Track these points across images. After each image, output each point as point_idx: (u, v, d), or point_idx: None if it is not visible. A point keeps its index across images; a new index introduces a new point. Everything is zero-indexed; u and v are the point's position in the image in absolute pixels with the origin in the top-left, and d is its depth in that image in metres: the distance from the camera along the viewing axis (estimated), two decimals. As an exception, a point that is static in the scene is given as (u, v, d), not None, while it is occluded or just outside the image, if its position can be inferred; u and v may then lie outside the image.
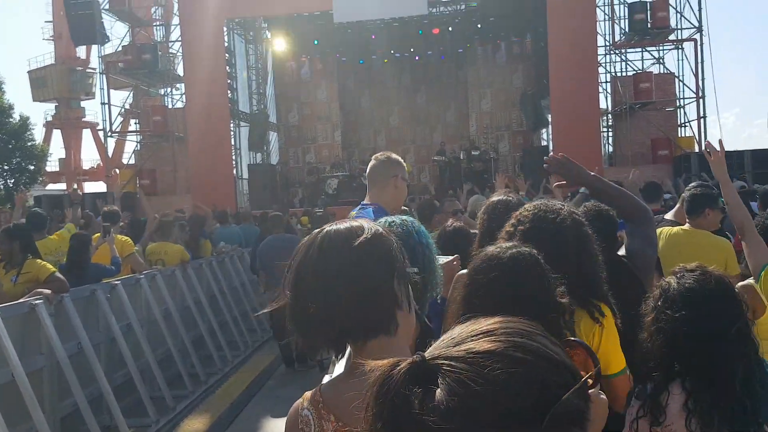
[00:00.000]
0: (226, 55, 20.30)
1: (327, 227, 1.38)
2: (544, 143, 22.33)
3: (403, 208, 3.94)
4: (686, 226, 4.10)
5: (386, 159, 3.64)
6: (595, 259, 2.10)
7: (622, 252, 2.73)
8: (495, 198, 2.97)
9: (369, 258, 1.30)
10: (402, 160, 3.72)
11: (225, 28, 20.18)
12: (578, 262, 2.03)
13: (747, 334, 1.82)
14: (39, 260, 5.35)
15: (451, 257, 3.07)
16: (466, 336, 0.76)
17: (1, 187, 28.00)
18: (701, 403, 1.75)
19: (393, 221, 2.50)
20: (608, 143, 21.21)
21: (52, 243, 6.19)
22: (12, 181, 28.17)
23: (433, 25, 21.87)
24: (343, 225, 1.37)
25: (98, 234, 6.61)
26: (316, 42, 22.13)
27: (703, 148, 3.30)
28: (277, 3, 18.93)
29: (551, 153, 2.76)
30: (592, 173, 2.83)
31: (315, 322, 1.31)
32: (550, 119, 20.12)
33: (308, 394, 1.41)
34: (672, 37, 20.59)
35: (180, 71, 21.91)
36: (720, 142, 3.35)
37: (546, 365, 0.73)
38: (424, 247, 2.40)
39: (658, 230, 3.85)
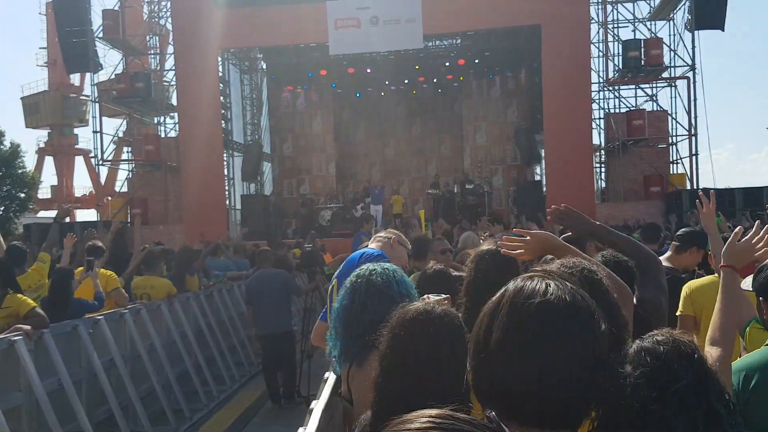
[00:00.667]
0: (221, 84, 20.36)
1: (558, 288, 1.13)
2: (537, 178, 22.40)
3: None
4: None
5: (389, 231, 3.99)
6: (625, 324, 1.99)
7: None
8: (484, 247, 2.87)
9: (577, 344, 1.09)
10: (407, 241, 4.00)
11: (220, 58, 20.27)
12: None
13: (692, 395, 1.72)
14: (19, 295, 5.19)
15: (442, 296, 2.99)
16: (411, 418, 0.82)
17: (-9, 213, 27.78)
18: None
19: (374, 269, 2.42)
20: (601, 179, 21.31)
21: (32, 277, 6.03)
22: (2, 208, 27.95)
23: (428, 59, 22.07)
24: (578, 296, 1.14)
25: (81, 268, 6.45)
26: (311, 74, 22.24)
27: (698, 199, 3.22)
28: (273, 34, 19.05)
29: (553, 206, 2.70)
30: (597, 222, 2.76)
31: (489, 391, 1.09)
32: (543, 154, 20.20)
33: None
34: (665, 74, 20.87)
35: (174, 100, 21.94)
36: (712, 194, 3.27)
37: None
38: (405, 297, 2.34)
39: (686, 285, 3.81)
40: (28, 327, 5.03)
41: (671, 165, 20.98)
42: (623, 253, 2.69)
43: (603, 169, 21.36)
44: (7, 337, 4.90)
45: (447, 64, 22.44)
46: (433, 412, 0.82)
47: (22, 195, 28.73)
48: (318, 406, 2.74)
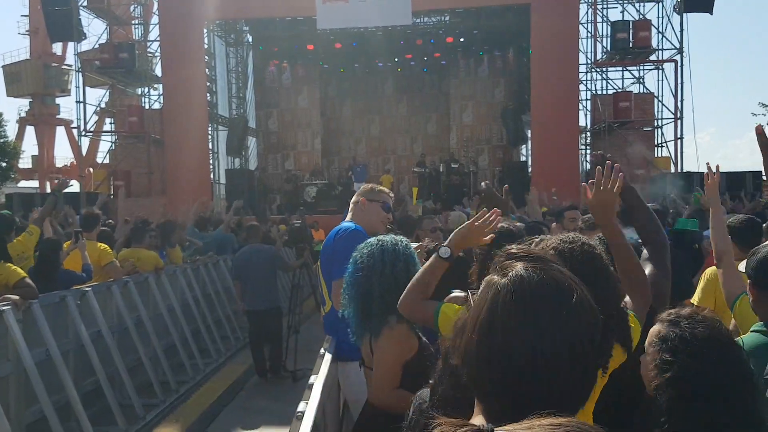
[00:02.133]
0: (206, 57, 20.09)
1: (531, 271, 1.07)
2: (523, 158, 22.45)
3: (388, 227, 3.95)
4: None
5: (361, 188, 3.90)
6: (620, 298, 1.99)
7: None
8: (499, 225, 2.90)
9: None
10: (380, 189, 3.88)
11: (205, 30, 19.97)
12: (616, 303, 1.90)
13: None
14: (9, 264, 5.17)
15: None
16: (536, 424, 0.77)
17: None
18: None
19: (364, 245, 2.55)
20: (586, 161, 21.41)
21: (16, 248, 5.98)
22: (-18, 177, 27.57)
23: (416, 36, 21.90)
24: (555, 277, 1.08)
25: (70, 241, 6.42)
26: (297, 47, 22.00)
27: (705, 169, 3.30)
28: (260, 6, 18.80)
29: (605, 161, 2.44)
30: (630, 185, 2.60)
31: None
32: (530, 135, 20.23)
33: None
34: (653, 57, 20.89)
35: (158, 71, 21.64)
36: (717, 167, 3.33)
37: None
38: (388, 266, 2.45)
39: (706, 273, 3.78)
40: (16, 297, 5.02)
41: (656, 148, 21.12)
42: (643, 230, 2.62)
43: (588, 151, 21.46)
44: (-5, 307, 4.90)
45: (434, 41, 22.28)
46: (577, 421, 0.80)
47: (4, 164, 28.32)
48: (318, 381, 2.78)
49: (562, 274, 1.06)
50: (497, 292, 1.04)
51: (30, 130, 42.98)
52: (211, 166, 20.48)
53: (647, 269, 2.53)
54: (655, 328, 1.86)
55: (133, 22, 23.00)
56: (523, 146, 22.65)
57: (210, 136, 20.44)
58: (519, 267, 1.06)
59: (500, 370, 1.01)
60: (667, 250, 2.66)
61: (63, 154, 66.82)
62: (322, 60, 23.02)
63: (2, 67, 40.80)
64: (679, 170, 19.84)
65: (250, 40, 23.46)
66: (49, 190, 36.08)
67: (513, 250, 1.12)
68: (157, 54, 21.65)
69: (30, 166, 42.28)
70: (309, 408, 2.48)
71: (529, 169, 19.86)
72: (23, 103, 42.86)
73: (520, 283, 1.03)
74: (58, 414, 5.26)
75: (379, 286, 2.47)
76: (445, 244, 2.44)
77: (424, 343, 2.53)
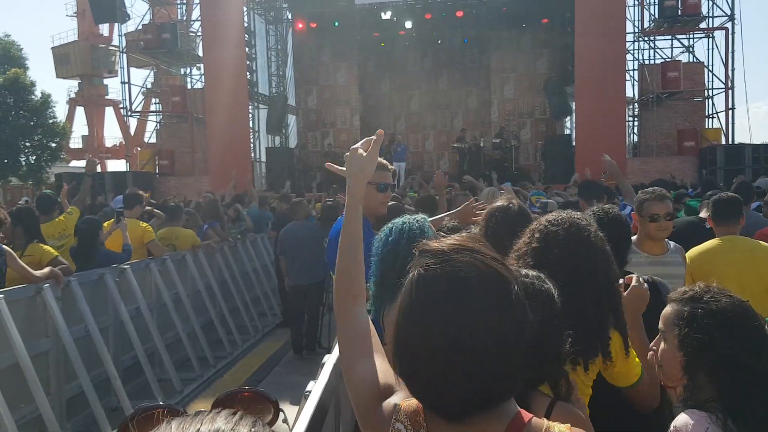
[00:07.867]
0: (246, 35, 20.14)
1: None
2: (567, 131, 21.95)
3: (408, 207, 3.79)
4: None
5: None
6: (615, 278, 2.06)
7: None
8: (496, 204, 2.83)
9: None
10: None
11: (245, 8, 19.99)
12: (604, 282, 1.98)
13: None
14: (42, 244, 5.30)
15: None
16: None
17: (23, 163, 28.23)
18: None
19: (390, 227, 2.52)
20: (633, 133, 20.82)
21: (57, 226, 6.13)
22: (34, 158, 28.39)
23: (456, 8, 21.45)
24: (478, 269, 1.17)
25: (111, 220, 6.56)
26: (336, 23, 21.84)
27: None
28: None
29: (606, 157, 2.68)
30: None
31: None
32: (574, 107, 19.74)
33: (406, 406, 1.23)
34: (703, 25, 20.10)
35: (200, 51, 21.83)
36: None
37: None
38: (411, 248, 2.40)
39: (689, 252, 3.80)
40: (58, 272, 5.13)
41: (706, 119, 20.41)
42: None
43: (635, 123, 20.86)
44: (35, 285, 5.03)
45: (476, 13, 21.77)
46: None
47: (53, 145, 29.07)
48: (330, 360, 2.75)
49: (469, 266, 1.11)
50: (406, 294, 1.16)
51: (80, 111, 44.12)
52: (252, 145, 20.62)
53: None
54: (671, 310, 1.77)
55: (176, 1, 23.21)
56: (567, 119, 22.11)
57: (250, 115, 20.54)
58: (422, 264, 1.15)
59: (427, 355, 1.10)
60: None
61: (113, 134, 68.43)
62: (360, 35, 22.77)
63: (51, 49, 41.84)
64: (730, 142, 19.13)
65: (290, 17, 23.40)
66: (99, 170, 37.05)
67: (425, 247, 1.19)
68: (199, 34, 21.81)
69: (80, 146, 43.46)
70: (316, 387, 2.46)
71: (573, 143, 19.41)
72: (73, 85, 43.98)
73: (422, 281, 1.13)
74: (97, 389, 5.41)
75: (384, 268, 2.47)
76: None
77: None
